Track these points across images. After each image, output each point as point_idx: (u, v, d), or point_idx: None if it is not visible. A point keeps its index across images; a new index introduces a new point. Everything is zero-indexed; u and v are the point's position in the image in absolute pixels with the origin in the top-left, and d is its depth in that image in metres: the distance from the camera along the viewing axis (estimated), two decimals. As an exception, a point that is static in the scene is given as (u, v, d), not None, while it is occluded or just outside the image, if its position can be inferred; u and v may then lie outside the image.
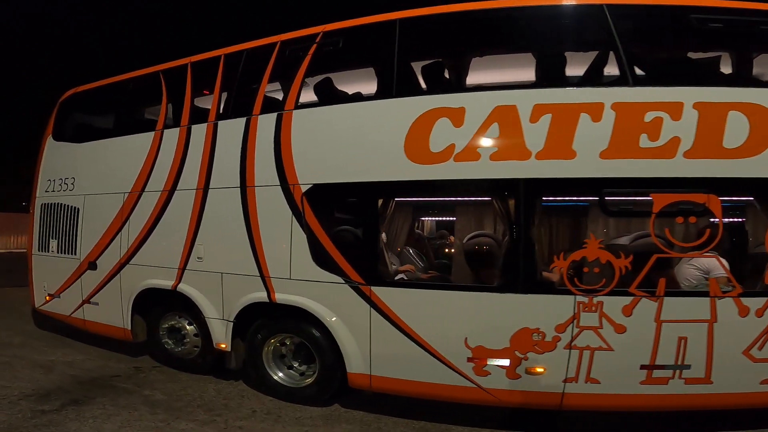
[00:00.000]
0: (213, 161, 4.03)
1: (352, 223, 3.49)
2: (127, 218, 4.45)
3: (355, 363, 3.32)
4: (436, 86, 3.54)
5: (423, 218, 3.97)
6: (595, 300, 2.88)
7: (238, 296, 3.81)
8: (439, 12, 3.41)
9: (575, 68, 3.39)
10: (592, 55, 3.43)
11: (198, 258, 4.03)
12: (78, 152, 5.00)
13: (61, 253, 4.94)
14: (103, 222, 4.60)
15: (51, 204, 5.08)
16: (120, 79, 4.97)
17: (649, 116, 2.86)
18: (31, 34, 28.77)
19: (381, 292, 3.24)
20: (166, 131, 4.39)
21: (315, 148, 3.58)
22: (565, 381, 2.96)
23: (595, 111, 2.93)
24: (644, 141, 2.84)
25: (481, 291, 3.21)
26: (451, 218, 3.72)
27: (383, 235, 3.53)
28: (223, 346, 3.92)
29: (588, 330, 2.90)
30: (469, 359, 3.06)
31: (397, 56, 3.39)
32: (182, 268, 4.11)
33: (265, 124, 3.79)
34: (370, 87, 3.83)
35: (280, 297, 3.60)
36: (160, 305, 4.38)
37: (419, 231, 3.85)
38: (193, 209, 4.07)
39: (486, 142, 3.08)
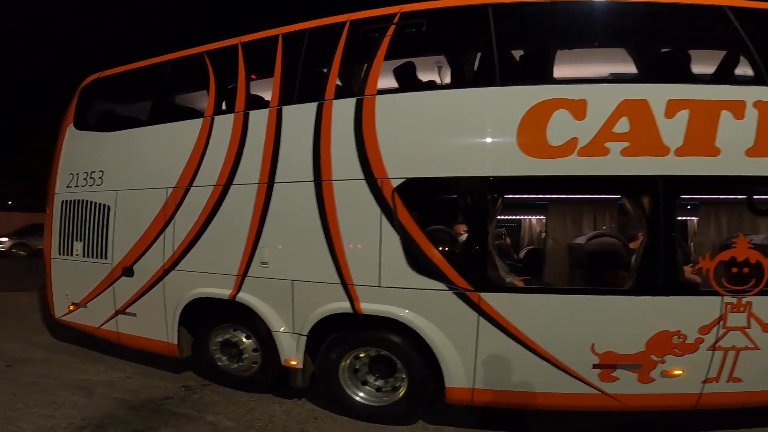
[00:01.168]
0: (278, 151, 3.52)
1: (456, 222, 3.13)
2: (171, 217, 3.89)
3: (456, 377, 2.98)
4: (546, 76, 3.19)
5: (532, 217, 3.61)
6: (744, 300, 2.67)
7: (313, 307, 3.34)
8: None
9: (700, 66, 3.17)
10: (715, 54, 3.19)
11: (262, 263, 3.52)
12: (106, 142, 4.39)
13: (88, 257, 4.34)
14: (140, 222, 4.03)
15: (74, 201, 4.46)
16: (155, 62, 4.38)
17: None
18: (17, 30, 27.53)
19: (492, 299, 2.90)
20: (217, 118, 3.86)
21: (407, 139, 3.16)
22: (704, 382, 2.77)
23: (737, 109, 2.75)
24: None
25: (613, 294, 2.89)
26: (565, 217, 3.39)
27: (493, 235, 3.14)
28: (294, 363, 3.45)
29: (735, 330, 2.71)
30: (595, 366, 2.81)
31: (495, 43, 3.06)
32: (242, 275, 3.59)
33: (342, 110, 3.34)
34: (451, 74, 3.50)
35: (366, 307, 3.17)
36: (210, 317, 3.87)
37: (528, 231, 3.49)
38: (255, 207, 3.56)
39: (615, 136, 2.79)
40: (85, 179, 4.42)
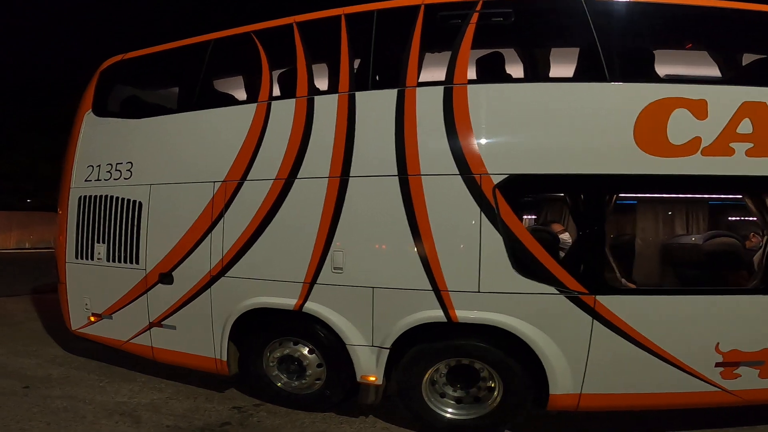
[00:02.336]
0: (353, 142, 3.11)
1: (568, 222, 2.85)
2: (220, 216, 3.40)
3: (562, 383, 2.78)
4: (654, 74, 3.01)
5: (646, 216, 3.37)
6: None
7: (399, 317, 2.97)
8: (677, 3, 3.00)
9: None
10: None
11: (336, 269, 3.10)
12: (136, 130, 3.83)
13: (114, 261, 3.76)
14: (180, 221, 3.51)
15: (95, 197, 3.86)
16: (190, 43, 3.84)
17: None
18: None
19: (609, 302, 2.69)
20: (273, 104, 3.39)
21: (508, 132, 2.89)
22: None
23: None
24: None
25: (740, 294, 2.75)
26: (681, 217, 3.17)
27: (608, 235, 2.88)
28: (372, 378, 3.06)
29: None
30: (718, 364, 2.71)
31: (598, 39, 2.87)
32: (310, 282, 3.15)
33: (427, 99, 3.00)
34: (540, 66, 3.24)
35: (463, 315, 2.85)
36: (266, 329, 3.40)
37: (645, 230, 3.25)
38: (325, 204, 3.13)
39: (739, 137, 2.67)
40: (108, 172, 3.84)
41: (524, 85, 3.10)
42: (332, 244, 3.11)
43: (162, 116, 3.81)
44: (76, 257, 3.94)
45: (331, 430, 3.10)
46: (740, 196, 2.93)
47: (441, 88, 3.02)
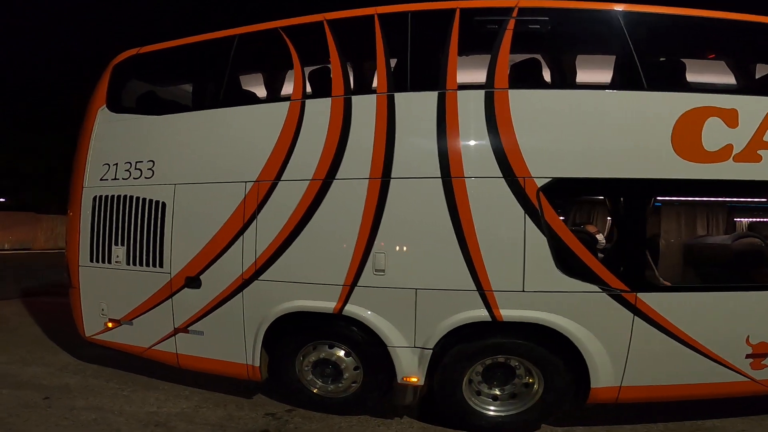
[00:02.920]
0: (393, 143, 3.08)
1: (609, 223, 2.92)
2: (253, 217, 3.28)
3: (604, 377, 2.89)
4: (686, 83, 3.15)
5: (682, 218, 3.47)
6: None
7: (442, 317, 2.98)
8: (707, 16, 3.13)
9: None
10: None
11: (377, 271, 3.05)
12: (157, 127, 3.65)
13: (135, 264, 3.58)
14: (209, 222, 3.37)
15: (112, 197, 3.65)
16: (212, 38, 3.69)
17: None
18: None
19: (649, 299, 2.83)
20: (308, 102, 3.31)
21: (551, 137, 2.96)
22: None
23: None
24: None
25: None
26: (713, 218, 3.31)
27: (647, 236, 2.98)
28: (415, 380, 3.06)
29: None
30: (748, 356, 2.88)
31: (634, 49, 2.98)
32: (350, 285, 3.10)
33: (469, 102, 3.04)
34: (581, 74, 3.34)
35: (507, 314, 2.90)
36: (299, 333, 3.32)
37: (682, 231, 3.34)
38: (366, 206, 3.08)
39: (765, 144, 2.84)
40: (127, 171, 3.65)
41: (565, 91, 3.15)
42: (374, 246, 3.08)
43: (186, 113, 3.65)
44: (91, 260, 3.73)
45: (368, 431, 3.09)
46: (766, 200, 3.09)
47: (482, 92, 3.04)
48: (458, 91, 3.08)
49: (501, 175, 2.92)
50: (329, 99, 3.28)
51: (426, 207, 3.02)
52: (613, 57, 3.24)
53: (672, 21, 3.18)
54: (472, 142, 3.00)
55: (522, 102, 3.00)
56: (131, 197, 3.60)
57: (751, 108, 2.91)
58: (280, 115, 3.32)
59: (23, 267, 10.92)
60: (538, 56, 3.27)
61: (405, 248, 3.05)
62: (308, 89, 3.44)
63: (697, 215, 3.47)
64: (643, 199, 2.92)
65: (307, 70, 3.45)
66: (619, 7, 3.11)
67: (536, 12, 3.19)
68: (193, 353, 3.49)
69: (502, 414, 3.10)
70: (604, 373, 2.89)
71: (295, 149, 3.25)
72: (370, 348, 3.16)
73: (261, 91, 3.94)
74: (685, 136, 2.86)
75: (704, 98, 2.94)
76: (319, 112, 3.26)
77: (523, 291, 2.89)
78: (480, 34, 3.21)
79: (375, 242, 3.07)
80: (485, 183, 2.95)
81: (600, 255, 2.96)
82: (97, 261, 3.71)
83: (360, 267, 3.09)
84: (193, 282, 3.42)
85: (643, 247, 2.92)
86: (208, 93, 3.70)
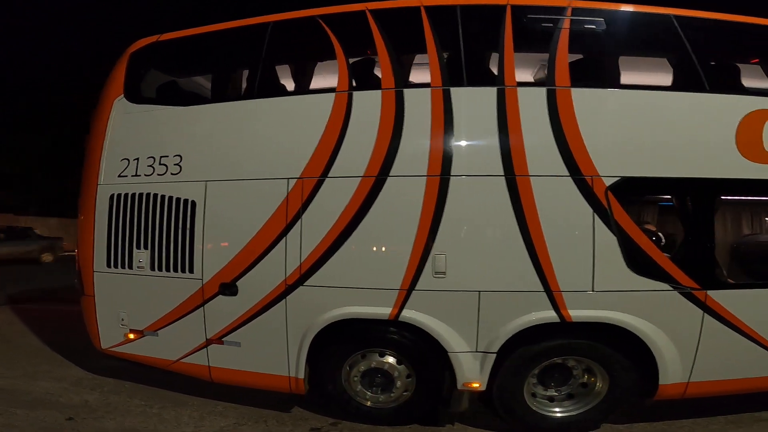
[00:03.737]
0: (452, 139, 2.90)
1: (679, 223, 2.91)
2: (297, 217, 3.02)
3: (673, 374, 2.89)
4: (742, 86, 3.15)
5: (747, 217, 3.43)
6: None
7: (507, 320, 2.85)
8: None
9: None
10: None
11: (437, 273, 2.86)
12: (184, 119, 3.32)
13: (161, 270, 3.23)
14: (246, 223, 3.09)
15: (132, 195, 3.30)
16: (242, 26, 3.41)
17: None
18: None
19: (718, 296, 2.80)
20: (355, 95, 3.07)
21: (618, 136, 2.89)
22: None
23: None
24: None
25: None
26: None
27: (715, 235, 2.91)
28: (476, 385, 2.92)
29: None
30: None
31: (693, 50, 2.96)
32: (408, 289, 2.89)
33: (530, 99, 2.92)
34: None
35: (576, 314, 2.80)
36: (342, 342, 3.09)
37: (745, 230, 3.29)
38: (424, 205, 2.88)
39: None
40: (150, 166, 3.30)
41: (629, 91, 3.06)
42: (433, 248, 2.88)
43: (218, 104, 3.34)
44: (108, 265, 3.36)
45: None
46: None
47: (544, 90, 2.93)
48: (518, 88, 2.94)
49: (568, 174, 2.81)
50: (379, 92, 3.06)
51: (489, 206, 2.86)
52: (666, 59, 3.23)
53: (726, 26, 3.17)
54: (536, 140, 2.87)
55: (586, 101, 2.91)
56: (155, 195, 3.26)
57: None
58: (324, 108, 3.07)
59: (5, 271, 10.13)
60: (596, 56, 3.16)
61: (467, 249, 2.87)
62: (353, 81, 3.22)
63: (762, 214, 3.46)
64: (711, 198, 2.88)
65: (351, 61, 3.23)
66: (674, 12, 3.06)
67: (591, 12, 3.11)
68: (228, 366, 3.19)
69: (567, 414, 3.02)
70: (673, 370, 2.85)
71: (343, 144, 3.01)
72: (425, 354, 2.98)
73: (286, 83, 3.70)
74: (749, 137, 2.85)
75: (764, 101, 2.92)
76: (369, 104, 3.03)
77: (593, 291, 2.79)
78: (534, 31, 3.12)
79: (435, 243, 2.88)
80: (551, 181, 2.82)
81: (669, 254, 2.87)
82: (116, 266, 3.34)
83: (418, 269, 2.88)
84: (229, 288, 3.12)
85: (712, 245, 2.86)
86: (241, 84, 3.40)
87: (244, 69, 3.57)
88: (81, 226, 3.50)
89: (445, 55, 3.09)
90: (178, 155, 3.26)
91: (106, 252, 3.36)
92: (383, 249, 2.97)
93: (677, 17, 3.04)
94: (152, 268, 3.27)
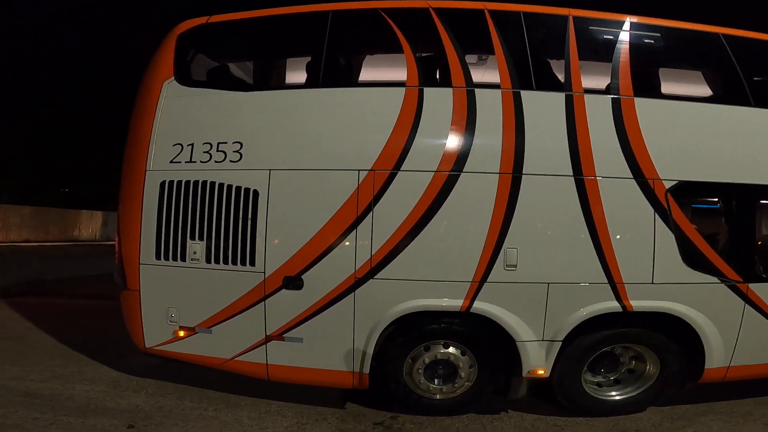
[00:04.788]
0: (523, 139, 3.02)
1: (726, 223, 3.22)
2: (369, 209, 2.99)
3: (717, 359, 3.14)
4: None
5: None
6: None
7: (573, 310, 3.00)
8: None
9: None
10: None
11: (509, 266, 2.94)
12: (245, 105, 3.20)
13: (218, 262, 3.07)
14: (313, 214, 3.02)
15: (187, 183, 3.11)
16: (299, 12, 3.35)
17: None
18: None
19: (758, 288, 3.09)
20: (426, 90, 3.10)
21: (676, 143, 3.14)
22: None
23: None
24: None
25: None
26: None
27: (757, 234, 3.20)
28: (541, 372, 3.03)
29: None
30: None
31: (740, 67, 3.25)
32: (479, 281, 2.95)
33: (597, 106, 3.11)
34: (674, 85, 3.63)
35: (637, 304, 3.00)
36: (407, 335, 3.08)
37: None
38: (497, 200, 2.96)
39: None
40: (207, 153, 3.14)
41: (686, 102, 3.34)
42: (505, 241, 2.96)
43: (282, 91, 3.27)
44: (158, 257, 3.14)
45: (486, 428, 2.99)
46: None
47: (609, 98, 3.12)
48: (585, 95, 3.11)
49: (632, 176, 3.01)
50: (450, 89, 3.12)
51: (558, 203, 3.00)
52: (716, 74, 3.55)
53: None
54: (603, 145, 3.05)
55: (648, 110, 3.12)
56: (212, 183, 3.10)
57: None
58: (394, 102, 3.08)
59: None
60: (655, 68, 3.40)
61: (537, 243, 2.99)
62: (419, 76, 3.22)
63: None
64: (753, 202, 3.16)
65: (419, 56, 3.25)
66: (722, 31, 3.35)
67: (648, 28, 3.36)
68: (288, 363, 3.08)
69: (624, 397, 3.21)
70: (717, 355, 3.10)
71: (415, 138, 3.03)
72: (489, 344, 3.06)
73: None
74: None
75: None
76: (440, 101, 3.08)
77: (653, 283, 2.99)
78: (597, 42, 3.33)
79: (507, 237, 2.96)
80: (616, 183, 3.01)
81: (718, 251, 3.12)
82: (166, 258, 3.13)
83: (490, 262, 2.95)
84: (293, 282, 3.02)
85: (753, 243, 3.16)
86: (309, 71, 3.31)
87: (303, 57, 3.48)
88: (124, 216, 3.26)
89: (513, 59, 3.19)
90: (238, 142, 3.12)
91: (155, 243, 3.14)
92: (456, 243, 3.01)
93: (724, 35, 3.32)
94: (208, 261, 3.11)
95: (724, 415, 3.22)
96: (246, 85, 3.44)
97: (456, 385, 3.15)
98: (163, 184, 3.17)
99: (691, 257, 3.02)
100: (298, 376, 3.11)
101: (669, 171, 3.04)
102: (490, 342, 3.09)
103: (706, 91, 3.63)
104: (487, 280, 2.96)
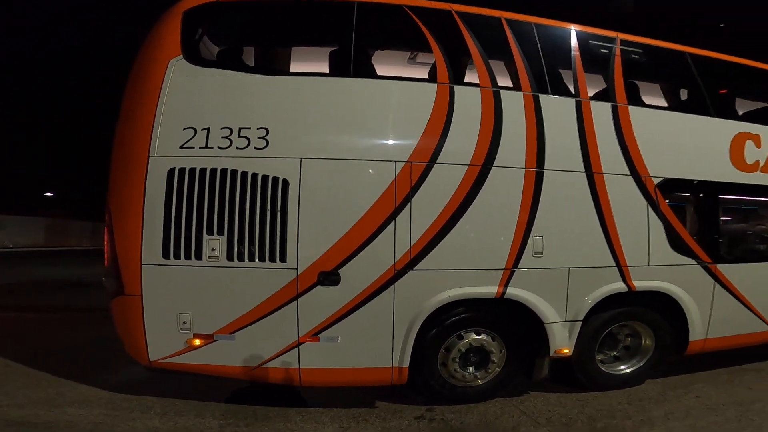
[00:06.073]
0: (544, 138, 3.28)
1: (698, 213, 3.75)
2: (407, 200, 2.95)
3: (699, 332, 3.59)
4: (735, 114, 4.21)
5: (740, 211, 4.25)
6: None
7: (589, 292, 3.30)
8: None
9: None
10: None
11: (536, 253, 3.14)
12: (271, 89, 2.94)
13: (241, 260, 2.75)
14: (350, 205, 2.90)
15: (203, 170, 2.75)
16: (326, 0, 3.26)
17: None
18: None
19: (724, 269, 3.67)
20: (457, 89, 3.19)
21: (659, 146, 3.60)
22: None
23: None
24: None
25: None
26: (754, 212, 4.28)
27: (721, 223, 3.83)
28: (566, 351, 3.28)
29: None
30: None
31: (704, 86, 3.90)
32: (511, 268, 3.10)
33: (600, 111, 3.50)
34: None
35: (639, 285, 3.42)
36: (441, 325, 3.07)
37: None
38: (524, 193, 3.17)
39: None
40: (226, 138, 2.80)
41: (668, 111, 3.90)
42: (532, 230, 3.15)
43: (315, 77, 3.06)
44: (166, 256, 2.70)
45: (519, 409, 3.12)
46: None
47: (609, 105, 3.52)
48: (591, 101, 3.48)
49: (629, 173, 3.43)
50: (478, 89, 3.25)
51: (575, 195, 3.30)
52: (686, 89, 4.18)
53: (724, 65, 4.15)
54: (606, 144, 3.42)
55: (638, 116, 3.54)
56: (234, 172, 2.79)
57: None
58: (428, 96, 3.13)
59: None
60: (639, 81, 3.88)
61: (559, 232, 3.23)
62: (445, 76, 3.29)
63: (748, 208, 4.58)
64: (715, 195, 3.76)
65: (447, 54, 3.31)
66: (691, 51, 3.95)
67: (631, 45, 3.81)
68: (323, 365, 2.87)
69: (629, 370, 3.56)
70: (699, 329, 3.59)
71: (449, 133, 3.09)
72: (516, 328, 3.22)
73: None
74: (735, 152, 3.81)
75: (745, 126, 3.93)
76: (469, 100, 3.20)
77: (649, 265, 3.41)
78: (597, 55, 3.73)
79: (533, 227, 3.16)
80: (618, 179, 3.40)
81: (697, 236, 3.65)
82: (177, 257, 2.71)
83: (520, 250, 3.13)
84: (330, 278, 2.83)
85: (718, 230, 3.76)
86: (335, 60, 3.16)
87: (315, 46, 3.39)
88: (119, 209, 2.75)
89: (530, 66, 3.41)
90: (264, 128, 2.86)
91: (162, 240, 2.72)
92: (490, 232, 3.12)
93: (691, 55, 3.91)
94: (229, 258, 2.77)
95: (709, 383, 3.66)
96: (270, 69, 3.17)
97: (489, 370, 3.24)
98: (171, 171, 2.77)
99: (676, 242, 3.51)
100: (334, 378, 2.92)
101: (656, 169, 3.50)
102: (517, 326, 3.24)
103: (682, 102, 4.25)
104: (518, 267, 3.12)
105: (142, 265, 2.71)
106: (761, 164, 3.92)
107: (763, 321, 3.85)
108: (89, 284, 8.07)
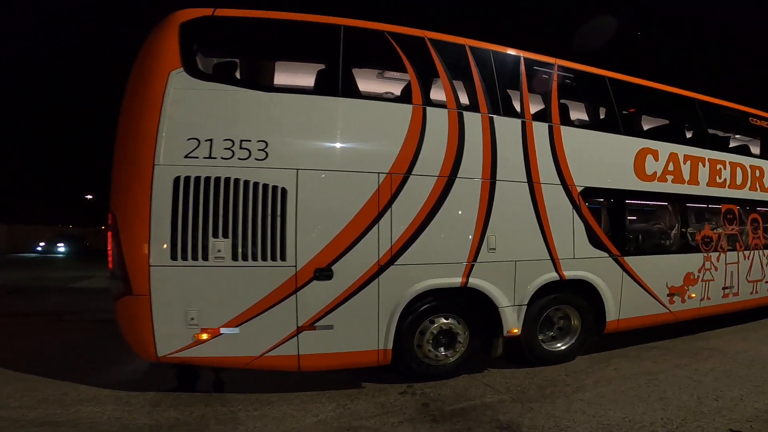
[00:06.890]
0: (496, 153, 3.97)
1: (610, 215, 4.66)
2: (388, 206, 3.45)
3: (613, 313, 4.50)
4: (640, 131, 5.24)
5: (642, 213, 5.26)
6: (711, 255, 5.26)
7: (530, 280, 4.05)
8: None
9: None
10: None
11: (490, 249, 3.81)
12: (270, 105, 3.26)
13: (245, 259, 3.03)
14: (341, 210, 3.33)
15: (207, 179, 3.00)
16: (308, 21, 3.59)
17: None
18: None
19: (629, 260, 4.61)
20: (429, 109, 3.75)
21: (581, 159, 4.41)
22: (701, 300, 5.17)
23: (719, 162, 5.39)
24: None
25: (680, 253, 5.03)
26: (659, 213, 5.32)
27: (627, 223, 4.78)
28: (516, 330, 3.99)
29: (707, 271, 5.23)
30: (668, 295, 4.88)
31: (617, 107, 4.80)
32: (471, 262, 3.73)
33: (540, 131, 4.24)
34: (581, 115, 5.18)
35: (568, 274, 4.22)
36: (415, 312, 3.62)
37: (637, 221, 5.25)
38: (480, 199, 3.85)
39: (668, 173, 4.99)
40: (228, 149, 3.06)
41: (587, 130, 4.70)
42: (488, 230, 3.82)
43: (312, 96, 3.43)
44: (174, 258, 2.89)
45: (483, 382, 3.74)
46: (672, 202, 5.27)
47: (546, 125, 4.29)
48: (533, 122, 4.22)
49: (559, 183, 4.24)
50: (446, 110, 3.84)
51: (520, 201, 4.03)
52: (599, 108, 5.04)
53: (640, 88, 5.12)
54: (543, 158, 4.18)
55: (566, 134, 4.34)
56: (237, 180, 3.07)
57: (662, 149, 4.93)
58: (405, 116, 3.66)
59: None
60: (569, 102, 4.71)
61: (507, 231, 3.93)
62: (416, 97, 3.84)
63: (651, 211, 5.56)
64: (623, 200, 4.71)
65: (420, 78, 3.82)
66: (609, 75, 4.85)
67: (567, 71, 4.63)
68: (319, 351, 3.26)
69: (564, 347, 4.34)
70: (612, 311, 4.48)
71: (422, 148, 3.66)
72: (475, 313, 3.86)
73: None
74: (638, 164, 4.77)
75: (646, 142, 4.92)
76: (439, 119, 3.78)
77: (574, 258, 4.26)
78: (538, 79, 4.43)
79: (488, 227, 3.83)
80: (552, 187, 4.19)
81: (609, 234, 4.56)
82: (184, 258, 2.92)
83: (478, 246, 3.79)
84: (324, 273, 3.23)
85: (624, 229, 4.73)
86: (323, 81, 3.54)
87: (297, 62, 3.74)
88: (125, 214, 2.90)
89: (487, 90, 4.06)
90: (263, 141, 3.19)
91: (170, 243, 2.92)
92: (455, 231, 3.73)
93: (609, 78, 4.83)
94: (234, 258, 3.04)
95: (624, 358, 4.44)
96: (266, 86, 3.44)
97: (456, 349, 3.83)
98: (177, 179, 2.98)
99: (594, 239, 4.39)
100: (330, 361, 3.32)
101: (579, 179, 4.35)
102: (477, 311, 3.88)
103: (600, 120, 5.09)
104: (477, 260, 3.79)
105: (151, 267, 2.89)
106: (658, 174, 4.90)
107: (661, 304, 4.83)
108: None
